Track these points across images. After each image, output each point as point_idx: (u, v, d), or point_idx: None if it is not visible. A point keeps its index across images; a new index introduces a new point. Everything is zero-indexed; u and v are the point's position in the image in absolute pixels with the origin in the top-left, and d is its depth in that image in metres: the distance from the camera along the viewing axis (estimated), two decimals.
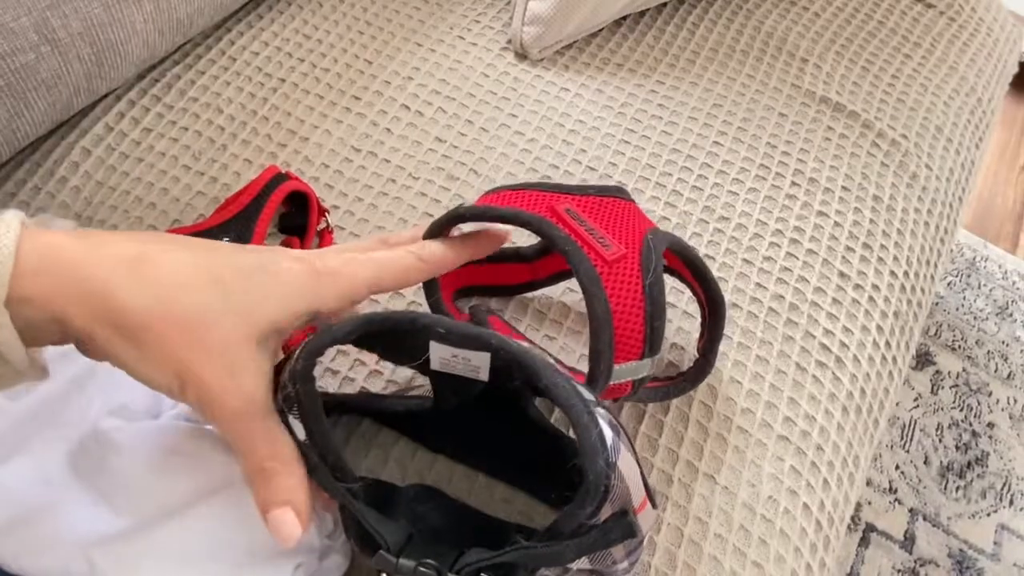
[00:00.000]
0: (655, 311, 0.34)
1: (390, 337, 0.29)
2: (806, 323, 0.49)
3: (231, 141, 0.53)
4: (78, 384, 0.33)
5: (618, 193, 0.41)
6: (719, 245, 0.52)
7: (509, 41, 0.62)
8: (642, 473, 0.29)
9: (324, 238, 0.48)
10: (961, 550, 0.96)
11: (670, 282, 0.47)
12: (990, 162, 1.36)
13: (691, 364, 0.44)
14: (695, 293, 0.44)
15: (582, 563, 0.29)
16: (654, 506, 0.31)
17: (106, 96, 0.54)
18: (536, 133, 0.56)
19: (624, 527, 0.28)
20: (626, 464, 0.28)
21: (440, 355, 0.30)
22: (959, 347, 1.13)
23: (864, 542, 0.95)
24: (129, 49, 0.50)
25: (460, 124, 0.56)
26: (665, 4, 0.66)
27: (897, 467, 1.01)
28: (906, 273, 0.55)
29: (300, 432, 0.27)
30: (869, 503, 0.97)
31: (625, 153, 0.56)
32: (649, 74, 0.61)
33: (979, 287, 1.20)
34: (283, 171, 0.46)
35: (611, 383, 0.35)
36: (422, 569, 0.26)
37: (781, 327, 0.49)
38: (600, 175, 0.55)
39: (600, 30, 0.63)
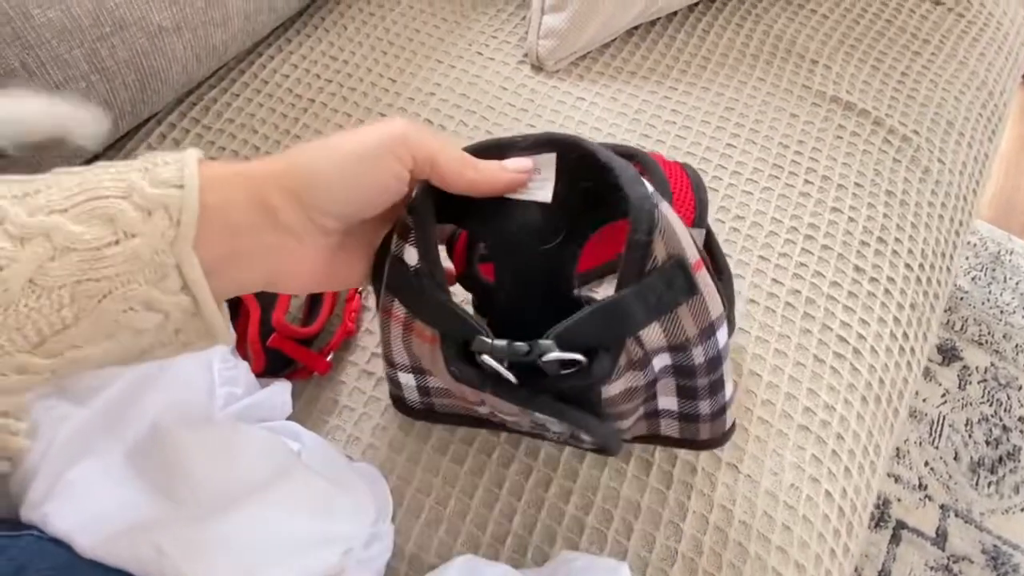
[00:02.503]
0: (699, 183, 0.43)
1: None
2: (823, 316, 0.50)
3: None
4: (138, 387, 0.36)
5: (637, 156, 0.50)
6: (735, 243, 0.53)
7: (525, 55, 0.64)
8: (695, 242, 0.31)
9: None
10: (995, 546, 0.95)
11: None
12: (1011, 156, 1.35)
13: None
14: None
15: (658, 339, 0.31)
16: (719, 276, 0.36)
17: (148, 120, 0.57)
18: None
19: (683, 278, 0.30)
20: (673, 219, 0.30)
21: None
22: (986, 342, 1.12)
23: (895, 539, 0.95)
24: (170, 75, 0.54)
25: (481, 135, 0.58)
26: (675, 13, 0.68)
27: (927, 463, 1.01)
28: (921, 265, 0.56)
29: (413, 257, 0.31)
30: (899, 500, 0.97)
31: None
32: (662, 80, 0.63)
33: (1004, 280, 1.19)
34: None
35: None
36: (515, 344, 0.30)
37: (799, 321, 0.50)
38: None
39: (613, 40, 0.66)
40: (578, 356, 0.30)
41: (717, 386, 0.34)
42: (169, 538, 0.30)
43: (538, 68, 0.63)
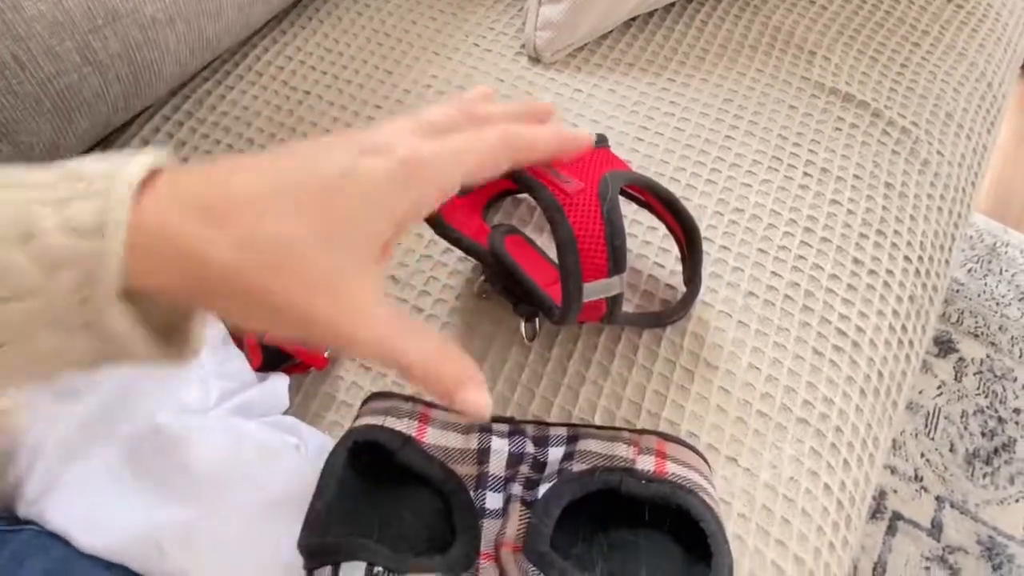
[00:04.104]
0: (614, 231, 0.38)
1: None
2: (822, 309, 0.50)
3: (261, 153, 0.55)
4: (133, 382, 0.36)
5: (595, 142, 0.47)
6: (734, 236, 0.53)
7: (523, 46, 0.64)
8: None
9: None
10: (990, 536, 0.96)
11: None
12: (1009, 148, 1.35)
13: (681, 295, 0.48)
14: (670, 228, 0.48)
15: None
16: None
17: (141, 113, 0.57)
18: None
19: None
20: None
21: None
22: (982, 333, 1.13)
23: (891, 530, 0.95)
24: (163, 68, 0.53)
25: None
26: (673, 3, 0.67)
27: (922, 455, 1.01)
28: (920, 258, 0.56)
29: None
30: (895, 491, 0.97)
31: (639, 150, 0.58)
32: (660, 72, 0.63)
33: (1000, 273, 1.19)
34: None
35: (585, 301, 0.39)
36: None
37: (798, 314, 0.50)
38: None
39: (611, 31, 0.65)
40: None
41: None
42: (166, 533, 0.30)
43: (535, 60, 0.63)
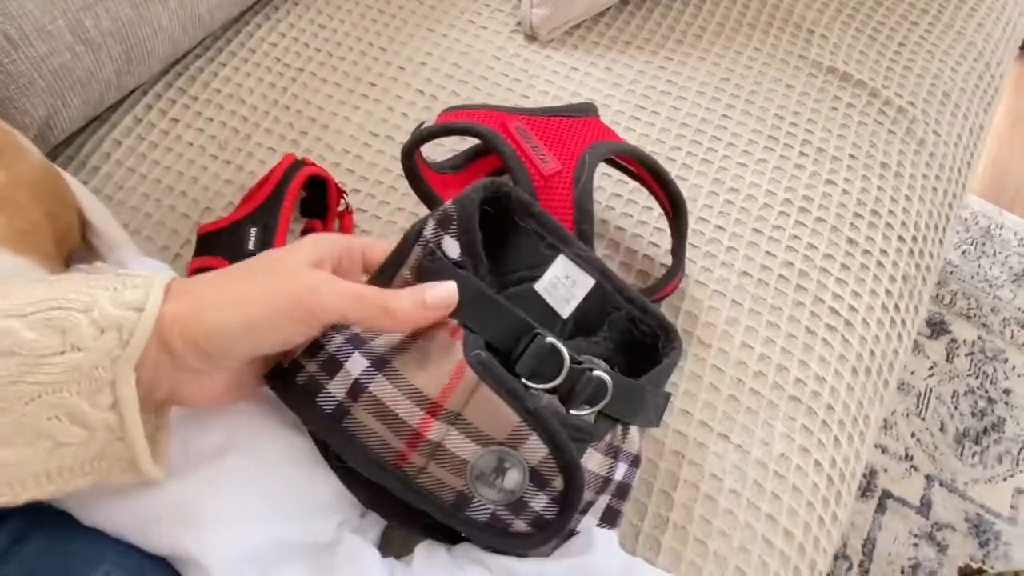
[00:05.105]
0: (582, 216, 0.40)
1: (520, 235, 0.35)
2: (816, 289, 0.51)
3: (254, 130, 0.55)
4: None
5: (580, 111, 0.47)
6: (729, 216, 0.53)
7: (518, 23, 0.63)
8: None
9: (344, 219, 0.50)
10: (978, 514, 0.97)
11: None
12: (1004, 129, 1.35)
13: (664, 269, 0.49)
14: (657, 197, 0.48)
15: (635, 441, 0.36)
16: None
17: (133, 91, 0.56)
18: None
19: (663, 409, 0.37)
20: None
21: (557, 272, 0.35)
22: (974, 315, 1.13)
23: (881, 508, 0.97)
24: (155, 45, 0.53)
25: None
26: None
27: (913, 435, 1.02)
28: (914, 238, 0.56)
29: (453, 250, 0.32)
30: (885, 471, 0.99)
31: (635, 129, 0.57)
32: (657, 51, 0.63)
33: (994, 255, 1.20)
34: (299, 158, 0.48)
35: None
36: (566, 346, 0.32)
37: (791, 293, 0.50)
38: None
39: (607, 9, 0.64)
40: (605, 376, 0.32)
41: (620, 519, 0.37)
42: (165, 505, 0.30)
43: (531, 37, 0.62)
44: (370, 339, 0.31)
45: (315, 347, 0.31)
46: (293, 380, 0.31)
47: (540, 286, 0.36)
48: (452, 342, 0.31)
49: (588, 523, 0.34)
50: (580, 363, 0.32)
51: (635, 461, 0.36)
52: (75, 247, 0.42)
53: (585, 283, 0.36)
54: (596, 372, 0.32)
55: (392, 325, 0.30)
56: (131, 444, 0.26)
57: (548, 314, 0.36)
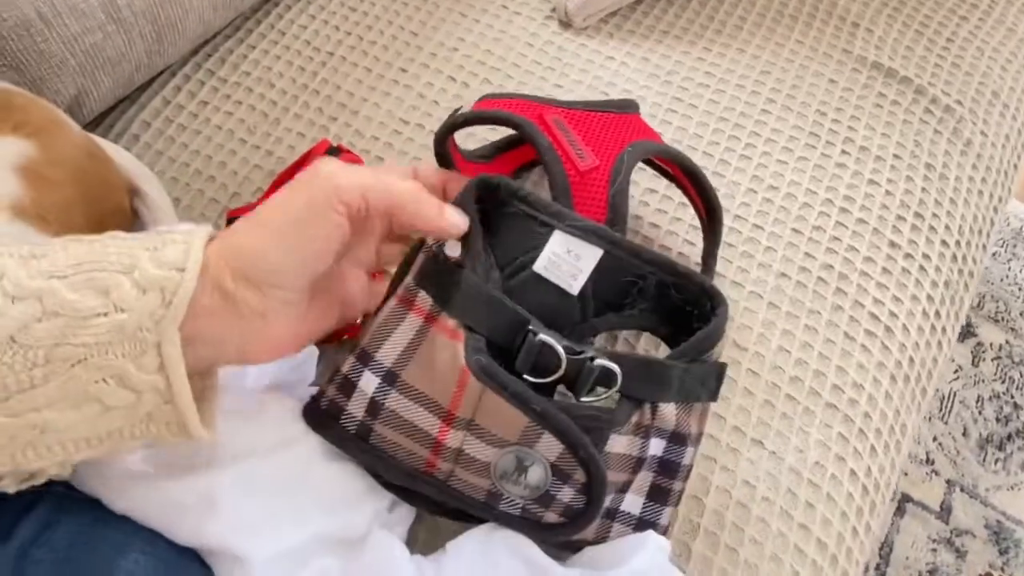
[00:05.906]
0: (615, 218, 0.38)
1: (511, 221, 0.33)
2: (855, 293, 0.49)
3: (284, 115, 0.54)
4: None
5: (621, 108, 0.45)
6: (768, 215, 0.52)
7: (553, 9, 0.61)
8: None
9: None
10: (999, 521, 0.96)
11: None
12: None
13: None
14: (693, 202, 0.46)
15: (669, 418, 0.33)
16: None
17: (163, 71, 0.55)
18: None
19: (717, 383, 0.34)
20: None
21: (555, 249, 0.34)
22: (1002, 319, 1.11)
23: (900, 512, 0.95)
24: (186, 25, 0.52)
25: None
26: None
27: (935, 439, 1.01)
28: (957, 243, 0.55)
29: (454, 249, 0.31)
30: (905, 474, 0.97)
31: (672, 122, 0.56)
32: (695, 41, 0.61)
33: None
34: (335, 144, 0.47)
35: None
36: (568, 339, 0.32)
37: (830, 297, 0.49)
38: None
39: None
40: (614, 366, 0.31)
41: (680, 498, 0.35)
42: (193, 495, 0.30)
43: (566, 24, 0.61)
44: (374, 351, 0.32)
45: (334, 373, 0.33)
46: (318, 406, 0.33)
47: (539, 265, 0.34)
48: (454, 345, 0.30)
49: (634, 501, 0.33)
50: (580, 353, 0.31)
51: (676, 437, 0.33)
52: (122, 227, 0.42)
53: (591, 255, 0.34)
54: (598, 361, 0.31)
55: (414, 209, 0.30)
56: (179, 406, 0.26)
57: (563, 295, 0.35)
